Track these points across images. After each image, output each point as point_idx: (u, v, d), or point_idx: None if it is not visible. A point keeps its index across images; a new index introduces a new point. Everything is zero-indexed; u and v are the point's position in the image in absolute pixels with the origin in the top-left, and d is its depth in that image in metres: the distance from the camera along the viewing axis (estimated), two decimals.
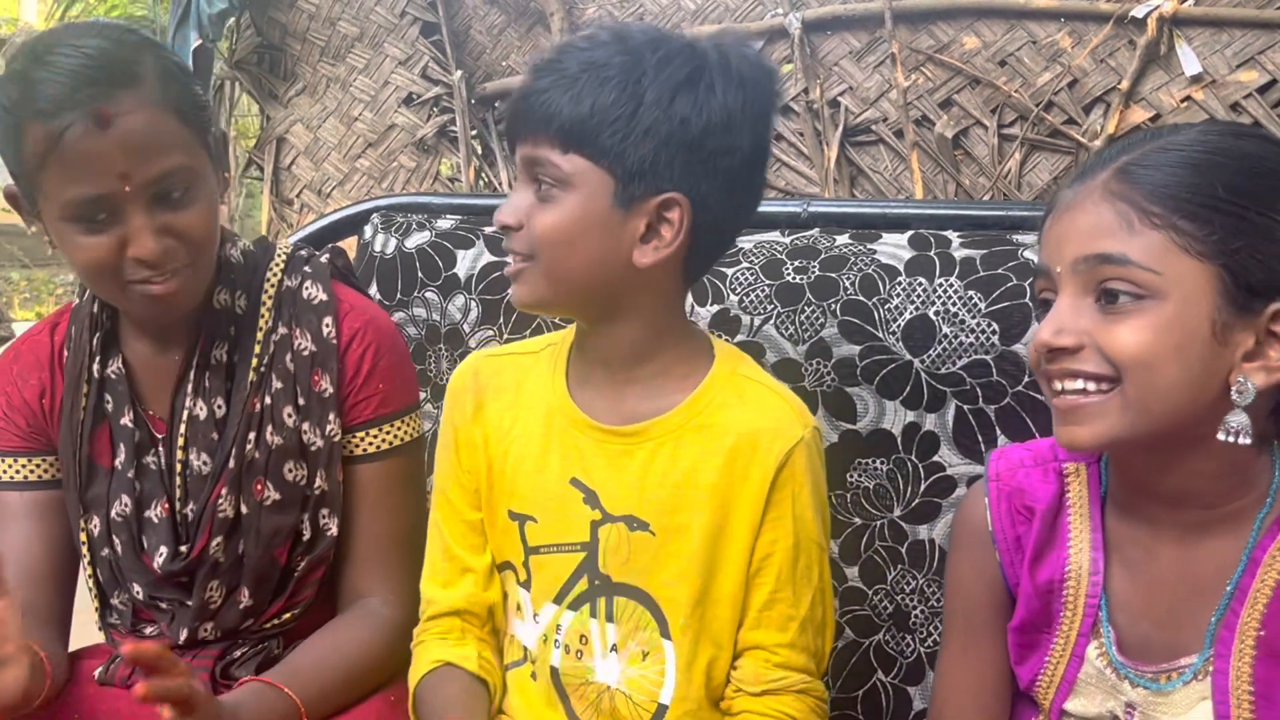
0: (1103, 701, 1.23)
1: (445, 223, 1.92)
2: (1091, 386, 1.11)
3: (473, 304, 1.84)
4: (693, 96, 1.25)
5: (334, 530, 1.54)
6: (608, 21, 1.40)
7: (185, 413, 1.52)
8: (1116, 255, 1.09)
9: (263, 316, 1.54)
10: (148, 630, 1.57)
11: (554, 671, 1.40)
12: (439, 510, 1.48)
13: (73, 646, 1.60)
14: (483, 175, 3.11)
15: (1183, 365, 1.08)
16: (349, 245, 1.88)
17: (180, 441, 1.52)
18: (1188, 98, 2.65)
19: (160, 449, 1.54)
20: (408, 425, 1.59)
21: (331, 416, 1.52)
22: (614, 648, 1.38)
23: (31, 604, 1.51)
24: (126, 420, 1.53)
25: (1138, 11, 2.64)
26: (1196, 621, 1.18)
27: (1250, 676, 1.14)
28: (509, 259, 1.33)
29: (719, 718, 1.38)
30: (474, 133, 3.11)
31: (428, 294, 1.87)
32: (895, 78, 2.78)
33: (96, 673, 1.54)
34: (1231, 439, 1.09)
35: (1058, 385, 1.14)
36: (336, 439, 1.53)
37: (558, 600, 1.39)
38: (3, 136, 1.38)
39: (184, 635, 1.52)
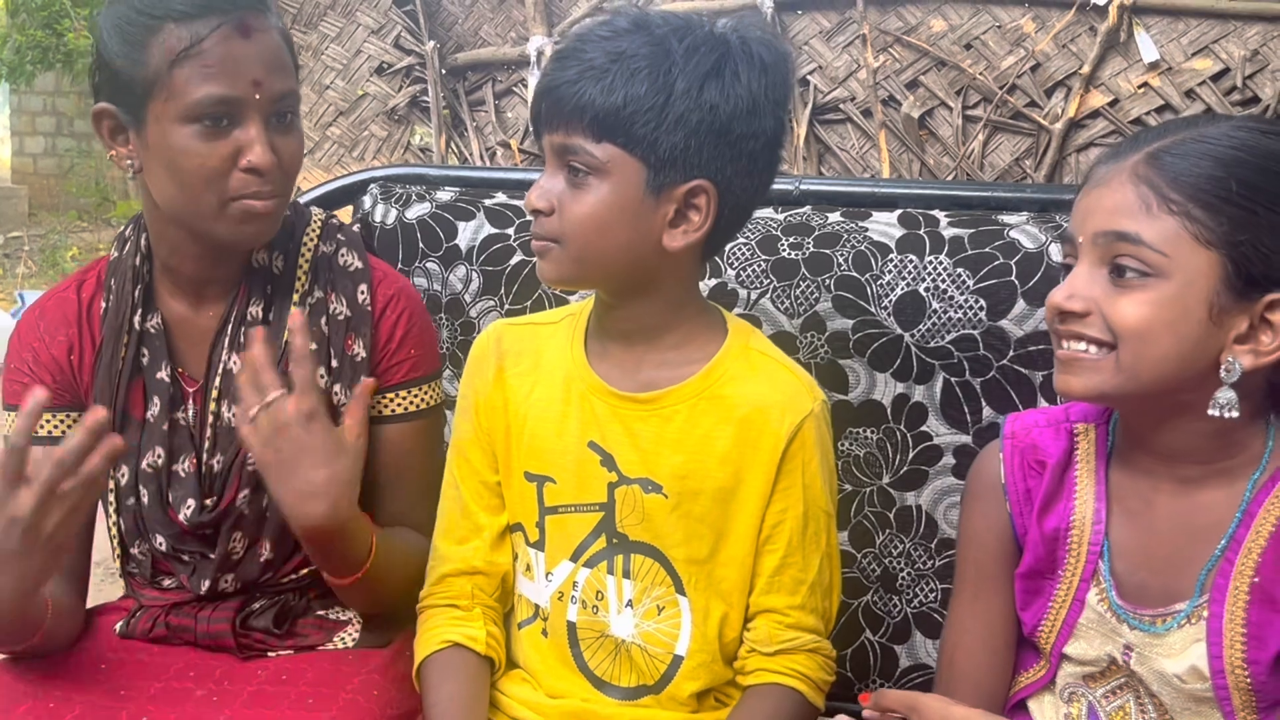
0: (1101, 645, 1.32)
1: (445, 194, 1.94)
2: (1093, 350, 1.21)
3: (474, 275, 1.88)
4: (720, 84, 1.29)
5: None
6: (625, 7, 1.44)
7: (220, 366, 1.55)
8: (1131, 234, 1.18)
9: (299, 279, 1.59)
10: (166, 582, 1.60)
11: (570, 626, 1.45)
12: (457, 470, 1.53)
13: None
14: (453, 146, 3.12)
15: (1175, 340, 1.18)
16: (343, 215, 1.90)
17: (214, 394, 1.55)
18: (1145, 84, 2.72)
19: (190, 404, 1.57)
20: (433, 390, 1.64)
21: (362, 379, 1.55)
22: (629, 603, 1.43)
23: None
24: (163, 374, 1.55)
25: (1099, 0, 2.71)
26: (1190, 569, 1.27)
27: (1244, 620, 1.23)
28: (536, 239, 1.37)
29: (729, 672, 1.44)
30: (445, 103, 3.13)
31: (429, 264, 1.89)
32: (864, 58, 2.83)
33: (117, 626, 1.58)
34: (1219, 414, 1.19)
35: (1064, 343, 1.24)
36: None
37: (574, 558, 1.45)
38: (124, 38, 1.43)
39: (205, 586, 1.55)
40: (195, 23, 1.39)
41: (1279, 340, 1.17)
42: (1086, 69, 2.73)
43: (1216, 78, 2.69)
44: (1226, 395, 1.19)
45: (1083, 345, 1.22)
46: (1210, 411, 1.19)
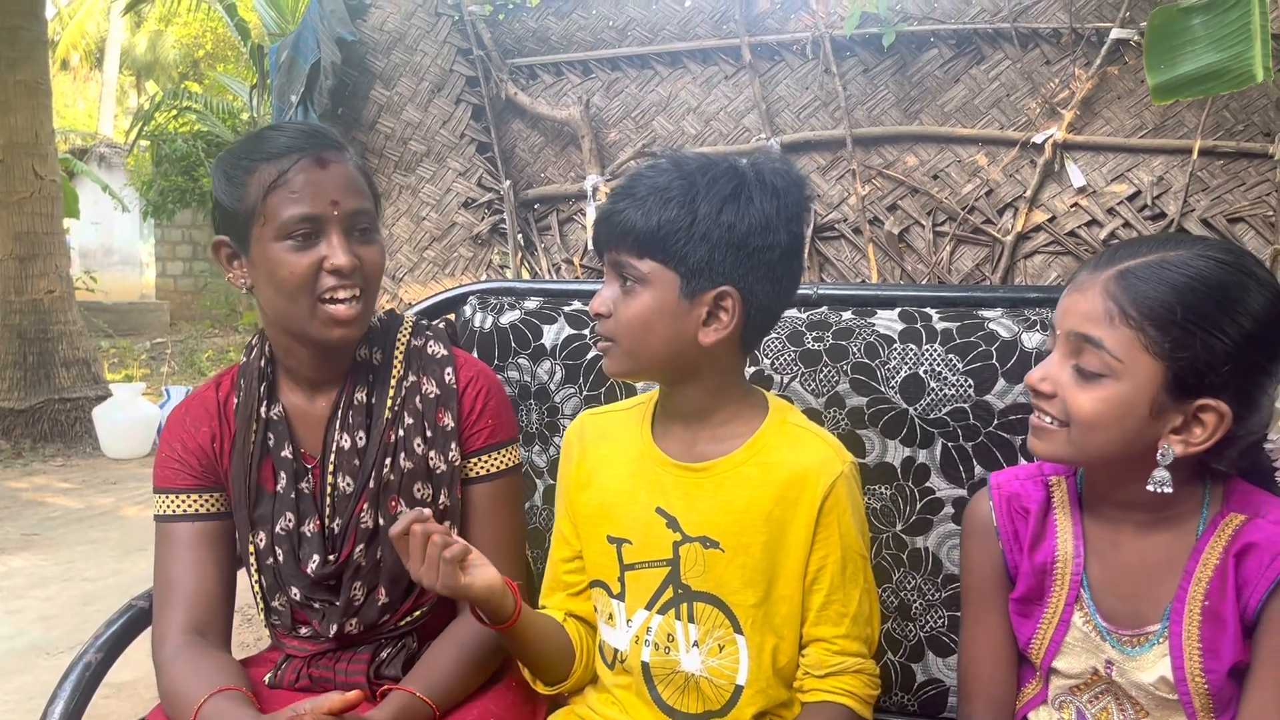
0: (1086, 660, 1.29)
1: (531, 303, 1.92)
2: (1055, 425, 1.20)
3: (557, 368, 1.85)
4: (736, 206, 1.27)
5: None
6: (666, 151, 1.44)
7: (334, 444, 1.52)
8: (1095, 338, 1.16)
9: (395, 368, 1.55)
10: (303, 630, 1.54)
11: (644, 666, 1.40)
12: (554, 540, 1.51)
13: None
14: (526, 263, 3.13)
15: (1120, 430, 1.17)
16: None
17: (330, 468, 1.51)
18: (1076, 204, 2.74)
19: (311, 477, 1.53)
20: (510, 454, 1.59)
21: (453, 445, 1.52)
22: (695, 643, 1.38)
23: (207, 619, 1.49)
24: (286, 453, 1.52)
25: (1037, 139, 2.73)
26: (1152, 597, 1.25)
27: (1198, 635, 1.21)
28: (599, 339, 1.36)
29: (784, 690, 1.39)
30: (518, 229, 3.14)
31: (520, 360, 1.87)
32: (854, 188, 2.84)
33: (266, 678, 1.53)
34: (1155, 489, 1.18)
35: (1035, 411, 1.23)
36: (457, 464, 1.53)
37: (648, 607, 1.40)
38: (230, 180, 1.43)
39: (334, 630, 1.50)
40: (281, 160, 1.40)
41: (1207, 435, 1.15)
42: (1029, 193, 2.75)
43: (1131, 198, 2.70)
44: (1161, 474, 1.17)
45: (1048, 418, 1.21)
46: (1148, 487, 1.18)
